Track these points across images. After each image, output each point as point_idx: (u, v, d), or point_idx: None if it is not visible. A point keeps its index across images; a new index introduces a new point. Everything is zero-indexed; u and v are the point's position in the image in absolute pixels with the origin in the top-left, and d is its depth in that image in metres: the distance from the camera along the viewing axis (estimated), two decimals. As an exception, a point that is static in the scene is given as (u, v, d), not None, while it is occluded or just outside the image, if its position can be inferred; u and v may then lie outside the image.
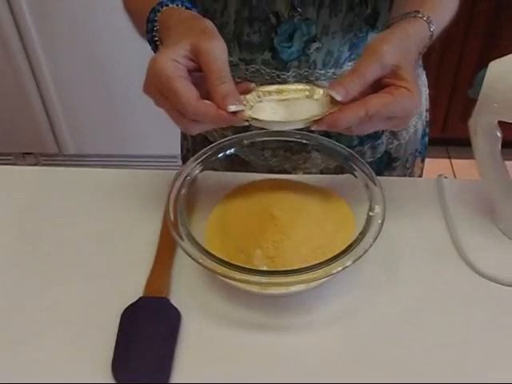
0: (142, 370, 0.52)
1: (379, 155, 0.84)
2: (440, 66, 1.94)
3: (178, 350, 0.54)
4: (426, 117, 0.90)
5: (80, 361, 0.54)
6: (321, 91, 0.58)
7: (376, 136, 0.82)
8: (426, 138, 0.92)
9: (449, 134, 2.05)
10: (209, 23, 0.57)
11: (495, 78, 0.57)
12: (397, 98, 0.54)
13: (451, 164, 2.09)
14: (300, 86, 0.60)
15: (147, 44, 0.63)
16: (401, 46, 0.56)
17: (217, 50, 0.54)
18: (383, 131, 0.82)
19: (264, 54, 0.73)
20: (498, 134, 0.62)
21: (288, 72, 0.73)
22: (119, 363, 0.53)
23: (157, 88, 0.54)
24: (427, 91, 0.89)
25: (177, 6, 0.61)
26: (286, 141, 0.68)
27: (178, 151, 0.97)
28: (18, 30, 1.79)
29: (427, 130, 0.92)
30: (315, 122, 0.54)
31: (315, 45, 0.71)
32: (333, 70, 0.73)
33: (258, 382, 0.52)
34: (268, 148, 0.80)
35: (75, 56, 1.86)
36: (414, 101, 0.55)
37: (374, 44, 0.56)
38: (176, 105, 0.53)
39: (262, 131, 0.65)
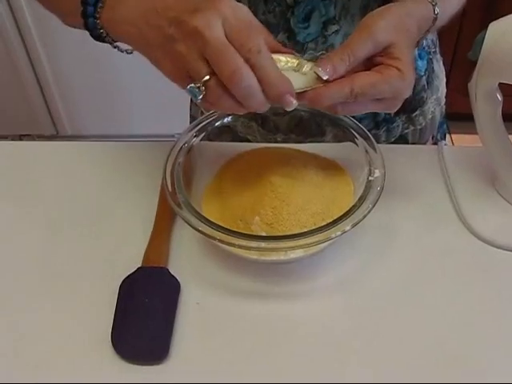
0: (142, 340, 0.52)
1: (393, 139, 0.82)
2: (438, 39, 1.92)
3: (177, 320, 0.54)
4: (444, 104, 0.87)
5: (79, 331, 0.54)
6: (309, 65, 0.55)
7: (391, 119, 0.80)
8: (445, 126, 0.90)
9: (448, 109, 2.03)
10: None
11: (495, 39, 0.56)
12: (385, 77, 0.50)
13: (451, 139, 2.08)
14: (288, 58, 0.56)
15: None
16: (398, 23, 0.52)
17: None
18: (398, 114, 0.80)
19: (279, 35, 0.70)
20: (499, 97, 0.61)
21: (304, 54, 0.71)
22: (118, 333, 0.52)
23: (201, 49, 0.46)
24: (444, 79, 0.86)
25: None
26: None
27: (174, 130, 0.95)
28: (12, 12, 1.78)
29: (445, 119, 0.89)
30: (297, 95, 0.51)
31: (334, 27, 0.69)
32: None
33: (259, 350, 0.52)
34: (280, 131, 0.77)
35: (71, 37, 1.84)
36: (405, 81, 0.51)
37: (369, 19, 0.52)
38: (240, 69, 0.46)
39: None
